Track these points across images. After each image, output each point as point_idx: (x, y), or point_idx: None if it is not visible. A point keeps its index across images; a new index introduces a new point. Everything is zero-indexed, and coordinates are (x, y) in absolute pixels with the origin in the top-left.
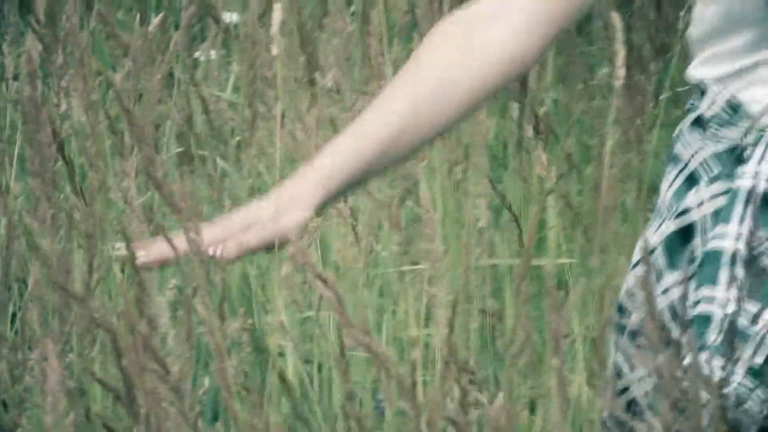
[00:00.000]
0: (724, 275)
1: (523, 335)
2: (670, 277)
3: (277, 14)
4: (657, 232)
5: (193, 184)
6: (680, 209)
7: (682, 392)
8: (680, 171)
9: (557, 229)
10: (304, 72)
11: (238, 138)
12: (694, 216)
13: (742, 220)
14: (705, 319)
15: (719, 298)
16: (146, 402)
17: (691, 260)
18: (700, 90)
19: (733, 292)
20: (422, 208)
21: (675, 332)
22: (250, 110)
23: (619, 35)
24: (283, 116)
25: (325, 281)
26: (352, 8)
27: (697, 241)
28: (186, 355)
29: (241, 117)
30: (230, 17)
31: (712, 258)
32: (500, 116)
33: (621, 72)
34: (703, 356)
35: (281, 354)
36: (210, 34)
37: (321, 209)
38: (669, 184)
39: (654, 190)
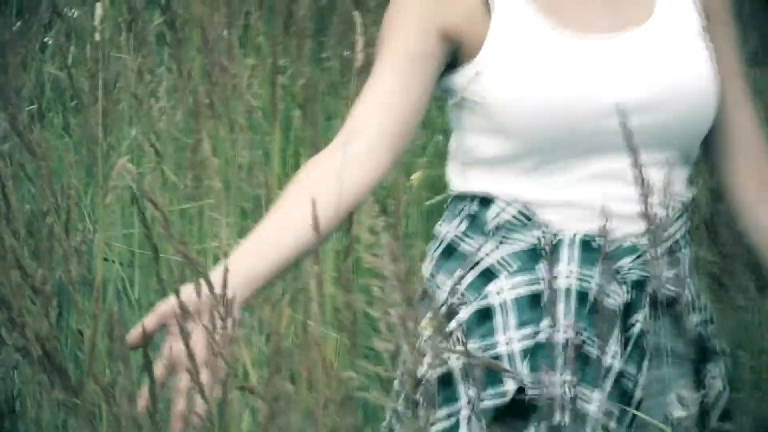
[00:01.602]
0: (560, 361)
1: None
2: (470, 344)
3: (99, 10)
4: (456, 318)
5: (42, 135)
6: (482, 296)
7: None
8: (472, 267)
9: None
10: (125, 52)
11: (75, 102)
12: (494, 301)
13: (566, 315)
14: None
15: (554, 383)
16: (14, 298)
17: (486, 336)
18: (482, 200)
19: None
20: (206, 154)
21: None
22: (86, 82)
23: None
24: (106, 85)
25: (155, 204)
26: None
27: (498, 319)
28: (45, 264)
29: (78, 86)
30: (71, 12)
31: (548, 347)
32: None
33: (360, 56)
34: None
35: (106, 259)
36: (56, 25)
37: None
38: (458, 271)
39: None
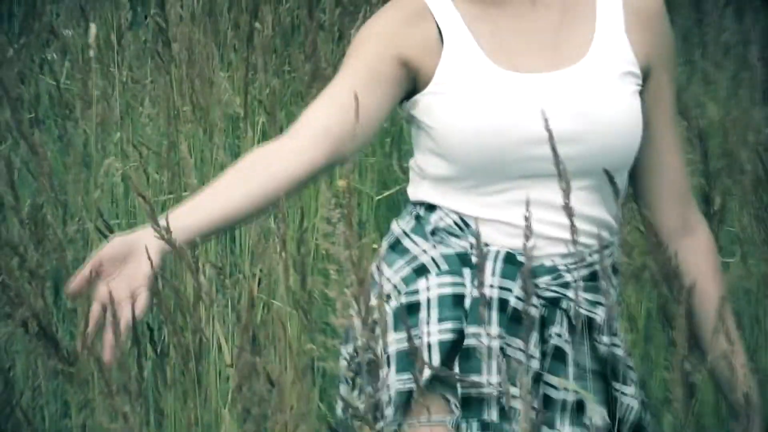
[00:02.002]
0: (485, 365)
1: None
2: (393, 336)
3: (93, 30)
4: (393, 309)
5: (41, 138)
6: (411, 289)
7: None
8: (408, 262)
9: None
10: (113, 67)
11: (68, 110)
12: (421, 298)
13: (490, 322)
14: (478, 400)
15: (485, 384)
16: (13, 281)
17: (412, 327)
18: (429, 206)
19: (494, 379)
20: (183, 155)
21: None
22: (79, 92)
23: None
24: (97, 97)
25: (143, 197)
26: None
27: (422, 314)
28: (43, 250)
29: (72, 96)
30: (67, 33)
31: (473, 351)
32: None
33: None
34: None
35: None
36: (53, 43)
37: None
38: (395, 269)
39: None
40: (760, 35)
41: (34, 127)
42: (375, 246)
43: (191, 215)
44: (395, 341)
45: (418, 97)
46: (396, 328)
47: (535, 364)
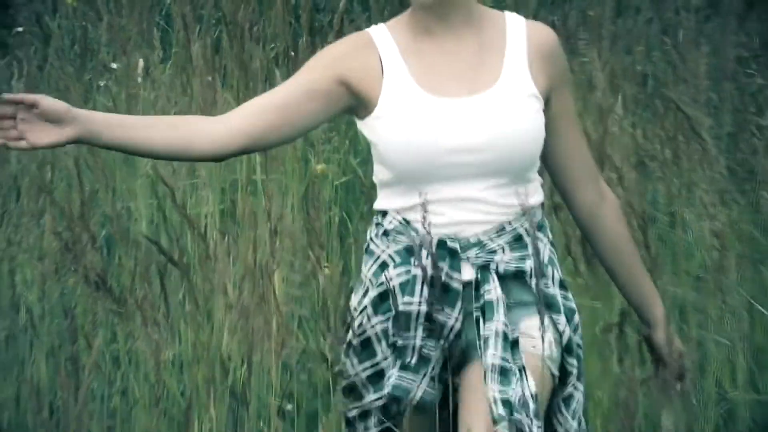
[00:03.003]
0: (413, 325)
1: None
2: (376, 319)
3: (141, 63)
4: (366, 297)
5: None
6: (378, 282)
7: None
8: (374, 261)
9: None
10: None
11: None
12: (387, 286)
13: (420, 293)
14: (403, 348)
15: (411, 337)
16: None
17: (387, 311)
18: (383, 213)
19: (419, 334)
20: None
21: (379, 349)
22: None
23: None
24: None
25: (165, 182)
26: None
27: (392, 302)
28: (97, 222)
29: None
30: (114, 65)
31: (405, 315)
32: None
33: None
34: (398, 373)
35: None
36: (106, 76)
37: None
38: (368, 268)
39: None
40: None
41: None
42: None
43: (114, 123)
44: (379, 322)
45: (367, 120)
46: (376, 312)
47: (458, 325)
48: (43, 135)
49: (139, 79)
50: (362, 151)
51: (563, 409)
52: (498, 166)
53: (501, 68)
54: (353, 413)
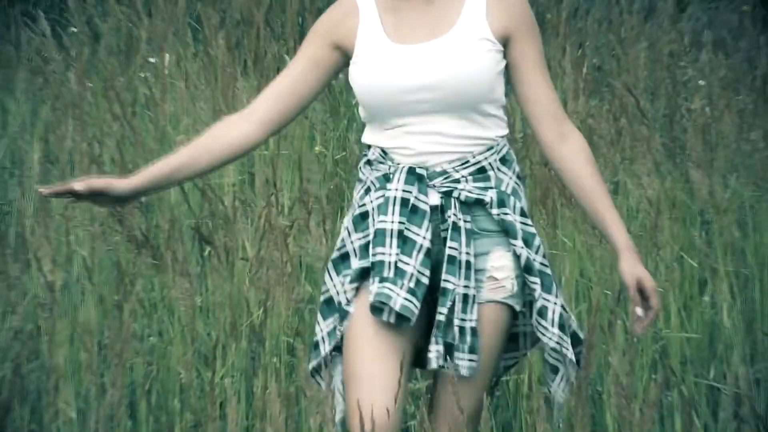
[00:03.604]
0: (388, 241)
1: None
2: (355, 236)
3: (167, 58)
4: (352, 216)
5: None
6: (361, 203)
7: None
8: (362, 186)
9: None
10: (180, 80)
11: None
12: (368, 208)
13: (393, 212)
14: (380, 263)
15: (387, 254)
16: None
17: (365, 229)
18: (368, 145)
19: (394, 250)
20: None
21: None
22: (161, 96)
23: None
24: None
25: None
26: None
27: (369, 221)
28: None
29: (156, 99)
30: (153, 60)
31: (380, 232)
32: None
33: None
34: (378, 285)
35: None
36: (146, 69)
37: (136, 194)
38: (357, 192)
39: None
40: None
41: (133, 117)
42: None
43: (161, 171)
44: (357, 239)
45: (348, 68)
46: (356, 230)
47: (426, 243)
48: (106, 201)
49: (166, 71)
50: (358, 131)
51: (541, 321)
52: (451, 101)
53: (459, 16)
54: (319, 337)
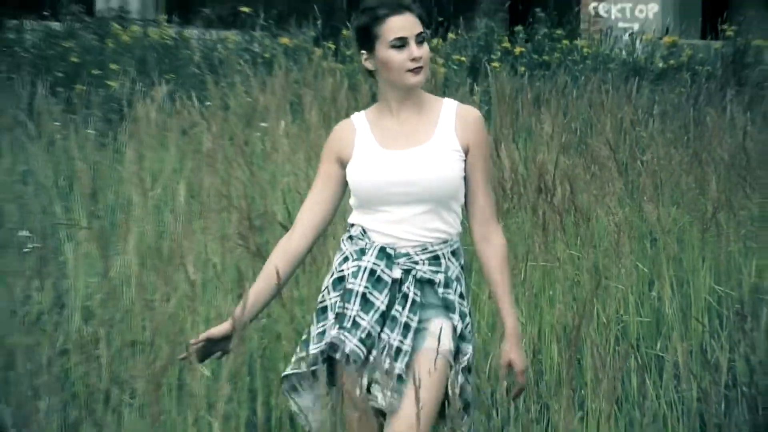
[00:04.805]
0: (352, 299)
1: None
2: (332, 294)
3: (282, 125)
4: (331, 279)
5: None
6: (339, 269)
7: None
8: (341, 255)
9: None
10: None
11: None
12: (345, 273)
13: (362, 278)
14: (342, 315)
15: (349, 309)
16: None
17: (341, 290)
18: (352, 224)
19: (356, 307)
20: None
21: (330, 315)
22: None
23: None
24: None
25: (298, 191)
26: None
27: (344, 284)
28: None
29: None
30: (264, 125)
31: (349, 292)
32: None
33: None
34: (336, 330)
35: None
36: (261, 130)
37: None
38: (336, 260)
39: None
40: None
41: (252, 164)
42: None
43: (249, 310)
44: (333, 297)
45: (346, 170)
46: (334, 290)
47: (383, 306)
48: (220, 346)
49: (279, 131)
50: None
51: (459, 375)
52: (426, 195)
53: (435, 129)
54: (297, 365)
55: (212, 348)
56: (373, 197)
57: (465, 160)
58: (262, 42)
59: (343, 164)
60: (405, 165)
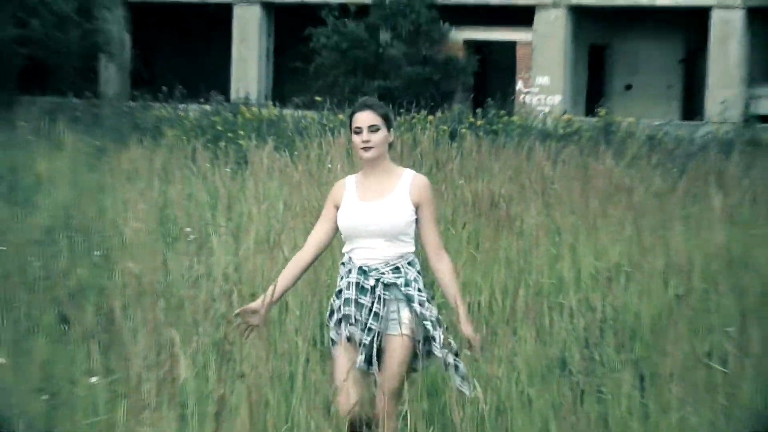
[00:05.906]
0: (350, 304)
1: None
2: (337, 301)
3: (338, 164)
4: (335, 291)
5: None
6: (339, 286)
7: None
8: (339, 276)
9: None
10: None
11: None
12: (341, 287)
13: (351, 290)
14: (347, 316)
15: (350, 311)
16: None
17: (340, 298)
18: (343, 253)
19: (353, 309)
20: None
21: (336, 315)
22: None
23: None
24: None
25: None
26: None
27: (342, 295)
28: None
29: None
30: (330, 165)
31: (347, 299)
32: None
33: None
34: (349, 327)
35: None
36: (329, 171)
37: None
38: (339, 278)
39: None
40: None
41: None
42: None
43: (276, 290)
44: (336, 302)
45: (337, 215)
46: (337, 298)
47: (369, 304)
48: (255, 319)
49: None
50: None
51: (434, 345)
52: (387, 231)
53: (395, 188)
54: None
55: (245, 318)
56: (353, 233)
57: (416, 211)
58: (328, 117)
59: (337, 208)
60: (372, 212)
